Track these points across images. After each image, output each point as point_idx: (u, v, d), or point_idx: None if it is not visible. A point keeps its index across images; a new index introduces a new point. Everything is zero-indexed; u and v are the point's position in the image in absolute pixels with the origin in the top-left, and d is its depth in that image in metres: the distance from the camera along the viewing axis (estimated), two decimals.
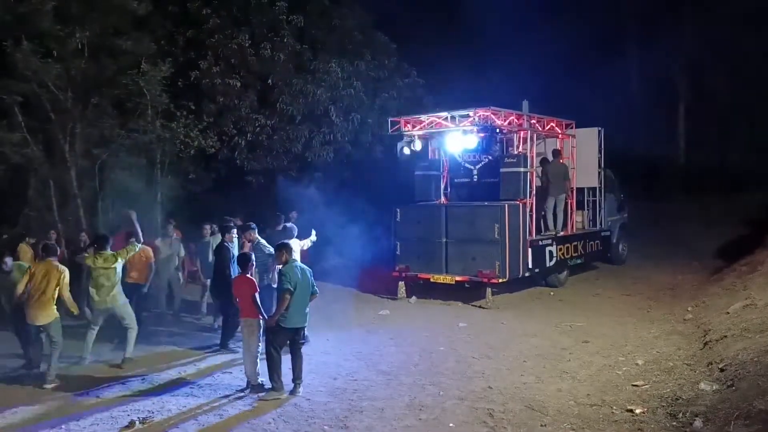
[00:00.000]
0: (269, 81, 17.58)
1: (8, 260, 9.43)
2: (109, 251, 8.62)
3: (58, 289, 7.97)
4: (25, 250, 10.83)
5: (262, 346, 7.50)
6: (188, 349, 9.57)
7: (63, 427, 6.45)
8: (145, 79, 15.17)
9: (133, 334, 8.70)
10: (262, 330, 7.50)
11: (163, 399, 7.26)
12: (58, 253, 8.76)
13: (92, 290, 8.57)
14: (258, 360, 7.52)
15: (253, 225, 9.82)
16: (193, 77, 17.10)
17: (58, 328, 8.10)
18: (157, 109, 15.83)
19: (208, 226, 11.62)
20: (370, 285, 14.03)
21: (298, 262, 7.63)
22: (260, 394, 7.29)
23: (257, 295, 7.54)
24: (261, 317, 7.49)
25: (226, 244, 9.56)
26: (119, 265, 8.63)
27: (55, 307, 8.05)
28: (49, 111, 14.45)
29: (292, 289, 7.11)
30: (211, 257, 10.52)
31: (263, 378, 7.43)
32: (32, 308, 7.96)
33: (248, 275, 7.70)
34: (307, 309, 7.43)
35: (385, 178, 16.81)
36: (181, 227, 12.76)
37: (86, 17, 14.39)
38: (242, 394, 7.38)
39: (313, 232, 10.23)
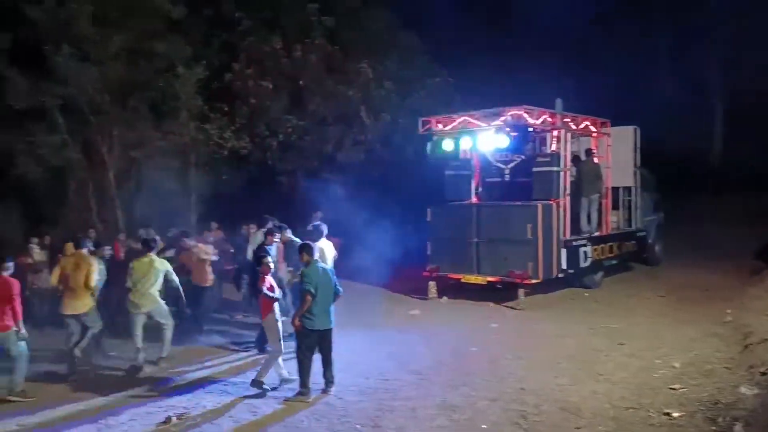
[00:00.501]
0: (301, 82, 17.72)
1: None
2: (152, 255, 8.71)
3: (89, 277, 8.26)
4: (72, 249, 11.07)
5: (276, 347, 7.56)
6: (220, 347, 9.70)
7: (101, 422, 6.58)
8: (180, 81, 15.44)
9: (168, 334, 8.83)
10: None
11: (197, 396, 7.36)
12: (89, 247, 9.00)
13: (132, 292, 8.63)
14: (273, 359, 7.53)
15: (285, 225, 9.90)
16: (226, 79, 17.31)
17: (95, 317, 8.42)
18: (192, 111, 16.08)
19: (246, 226, 11.73)
20: (401, 285, 14.01)
21: (321, 263, 7.61)
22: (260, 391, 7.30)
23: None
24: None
25: (267, 246, 9.58)
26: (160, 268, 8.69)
27: (89, 298, 8.34)
28: (87, 114, 14.76)
29: (312, 290, 7.10)
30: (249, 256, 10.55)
31: (272, 382, 7.43)
32: (66, 298, 8.30)
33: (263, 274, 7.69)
34: (332, 310, 7.40)
35: (415, 178, 16.80)
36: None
37: (123, 21, 14.67)
38: (275, 392, 7.43)
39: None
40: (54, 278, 8.42)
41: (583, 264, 13.32)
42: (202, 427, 6.40)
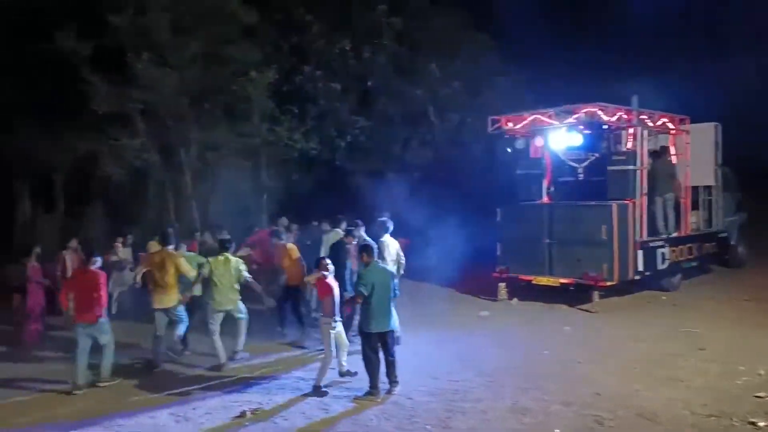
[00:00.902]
0: (369, 83, 17.84)
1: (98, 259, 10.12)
2: (228, 254, 8.95)
3: (176, 274, 8.64)
4: (155, 246, 11.53)
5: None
6: (293, 344, 9.86)
7: (181, 414, 6.82)
8: (253, 85, 15.80)
9: (244, 328, 9.05)
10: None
11: (271, 391, 7.52)
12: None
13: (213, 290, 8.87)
14: (328, 360, 7.55)
15: (360, 223, 9.97)
16: (296, 82, 17.62)
17: (182, 313, 8.79)
18: (263, 113, 16.45)
19: (318, 225, 11.88)
20: (470, 286, 13.91)
21: (382, 264, 7.57)
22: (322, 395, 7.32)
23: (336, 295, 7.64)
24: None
25: (347, 245, 9.65)
26: (237, 266, 8.91)
27: (177, 291, 8.71)
28: (165, 117, 15.30)
29: (364, 292, 7.10)
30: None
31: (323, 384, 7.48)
32: (155, 293, 8.70)
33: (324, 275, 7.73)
34: (391, 312, 7.37)
35: (484, 178, 16.64)
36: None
37: (199, 28, 15.14)
38: (345, 392, 7.50)
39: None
40: (139, 275, 8.78)
41: (661, 266, 12.87)
42: (275, 422, 6.53)
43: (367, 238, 9.70)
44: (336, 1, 18.29)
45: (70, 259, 11.55)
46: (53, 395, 7.75)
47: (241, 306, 9.02)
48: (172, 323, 8.86)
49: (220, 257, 8.86)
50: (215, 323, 8.74)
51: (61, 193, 18.30)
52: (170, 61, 15.05)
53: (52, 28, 14.18)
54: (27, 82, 17.32)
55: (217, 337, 8.68)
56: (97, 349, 8.07)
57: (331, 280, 7.75)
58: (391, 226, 9.53)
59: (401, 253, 9.59)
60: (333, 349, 7.58)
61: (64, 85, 15.06)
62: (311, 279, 8.48)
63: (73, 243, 11.89)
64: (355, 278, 8.06)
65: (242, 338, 9.05)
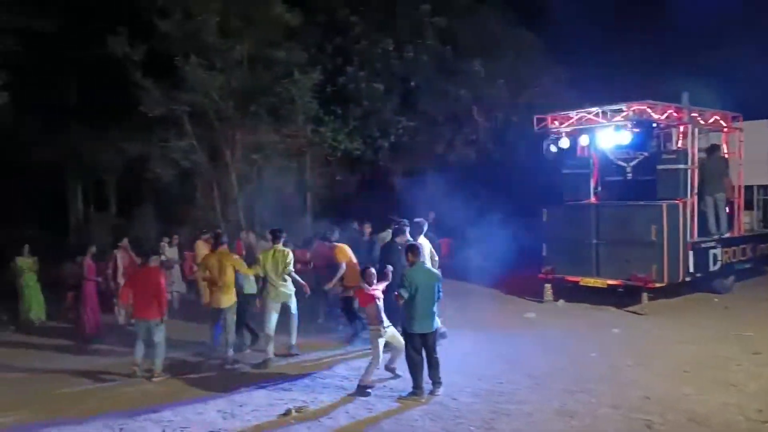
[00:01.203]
0: (412, 83, 17.82)
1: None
2: (280, 246, 9.12)
3: (233, 272, 8.86)
4: (202, 246, 11.78)
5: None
6: (339, 342, 9.93)
7: (228, 411, 6.93)
8: (297, 86, 15.95)
9: (295, 323, 9.22)
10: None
11: (316, 390, 7.58)
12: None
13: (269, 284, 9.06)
14: (376, 363, 7.57)
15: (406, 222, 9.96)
16: (340, 83, 17.71)
17: (233, 312, 8.94)
18: (308, 114, 16.60)
19: (360, 226, 11.92)
20: (515, 287, 13.77)
21: (427, 265, 7.53)
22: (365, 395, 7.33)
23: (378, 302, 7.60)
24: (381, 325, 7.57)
25: (399, 247, 9.63)
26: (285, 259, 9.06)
27: (234, 293, 8.91)
28: (212, 119, 15.58)
29: (405, 294, 7.08)
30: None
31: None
32: (214, 293, 8.90)
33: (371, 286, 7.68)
34: (434, 313, 7.32)
35: (529, 178, 16.45)
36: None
37: (245, 31, 15.36)
38: (390, 391, 7.51)
39: None
40: (199, 276, 8.96)
41: (713, 267, 12.54)
42: (320, 420, 6.57)
43: (410, 239, 9.70)
44: (379, 2, 18.32)
45: (121, 257, 11.88)
46: (105, 387, 7.99)
47: (295, 300, 9.18)
48: (223, 322, 8.99)
49: (270, 250, 9.05)
50: (270, 316, 8.92)
51: (113, 194, 18.81)
52: (217, 64, 15.30)
53: (104, 33, 14.55)
54: (80, 86, 17.92)
55: (271, 331, 8.87)
56: (149, 344, 8.41)
57: (372, 289, 7.62)
58: (425, 227, 9.50)
59: (434, 254, 9.55)
60: (381, 353, 7.59)
61: (115, 89, 15.47)
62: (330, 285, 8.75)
63: (124, 242, 12.21)
64: None
65: (294, 333, 9.22)
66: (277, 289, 8.95)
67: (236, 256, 9.20)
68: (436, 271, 7.97)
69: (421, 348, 7.26)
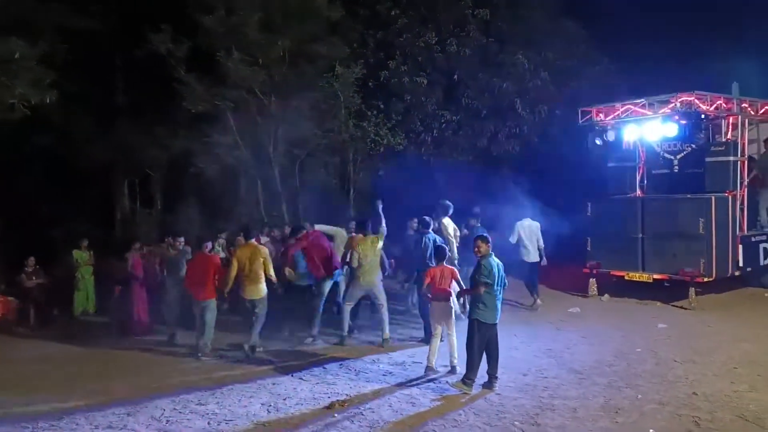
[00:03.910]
0: (455, 77, 17.72)
1: (181, 239, 10.79)
2: (371, 233, 9.45)
3: (264, 266, 9.06)
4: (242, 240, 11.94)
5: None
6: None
7: (272, 404, 7.02)
8: (339, 81, 16.01)
9: (386, 314, 9.45)
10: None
11: (359, 384, 7.63)
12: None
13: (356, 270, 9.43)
14: (436, 343, 7.89)
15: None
16: (382, 77, 17.70)
17: (264, 304, 9.15)
18: (350, 109, 16.66)
19: (411, 221, 11.93)
20: (559, 281, 13.62)
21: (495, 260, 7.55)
22: (451, 379, 7.50)
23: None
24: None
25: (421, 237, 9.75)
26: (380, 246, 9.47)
27: (264, 284, 9.10)
28: (255, 115, 15.74)
29: (490, 282, 7.13)
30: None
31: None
32: (245, 285, 9.10)
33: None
34: (499, 304, 7.36)
35: (574, 171, 16.21)
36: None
37: (287, 26, 15.46)
38: (432, 384, 7.54)
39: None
40: (232, 271, 9.13)
41: (764, 262, 12.21)
42: (364, 414, 6.61)
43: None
44: None
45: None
46: (159, 379, 8.19)
47: (381, 289, 9.51)
48: (254, 314, 9.16)
49: (367, 238, 9.38)
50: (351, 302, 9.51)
51: (158, 190, 19.18)
52: (259, 60, 15.44)
53: (148, 31, 14.83)
54: (126, 84, 18.31)
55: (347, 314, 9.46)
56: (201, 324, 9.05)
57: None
58: (450, 210, 10.04)
59: (458, 231, 10.28)
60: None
61: (160, 86, 15.76)
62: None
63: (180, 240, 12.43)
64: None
65: (387, 324, 9.45)
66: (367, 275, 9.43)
67: (266, 253, 9.27)
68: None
69: (485, 340, 7.25)
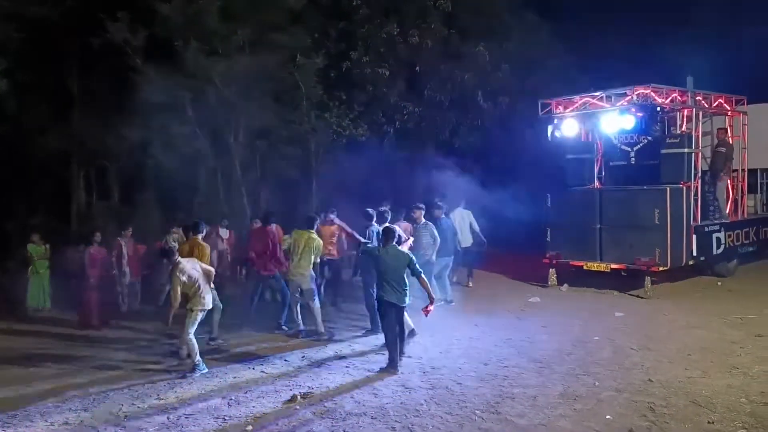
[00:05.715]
0: (417, 68, 17.73)
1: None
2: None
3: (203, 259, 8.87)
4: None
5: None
6: (343, 329, 9.97)
7: (233, 397, 6.95)
8: (301, 71, 15.86)
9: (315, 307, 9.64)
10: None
11: (321, 376, 7.62)
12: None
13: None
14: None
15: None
16: (344, 68, 17.60)
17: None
18: (312, 100, 16.52)
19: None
20: (519, 272, 13.80)
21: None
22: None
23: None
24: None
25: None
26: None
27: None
28: (215, 105, 15.50)
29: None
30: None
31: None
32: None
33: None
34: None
35: (535, 163, 16.42)
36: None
37: (247, 15, 15.24)
38: (396, 376, 7.57)
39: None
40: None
41: (716, 251, 12.56)
42: (326, 406, 6.59)
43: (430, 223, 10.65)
44: None
45: (125, 245, 11.91)
46: (116, 374, 8.03)
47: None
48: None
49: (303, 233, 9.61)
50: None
51: (115, 182, 18.76)
52: (219, 49, 15.20)
53: (104, 19, 14.46)
54: (82, 73, 17.82)
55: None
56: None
57: None
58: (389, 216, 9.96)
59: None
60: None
61: (116, 75, 15.39)
62: None
63: (129, 231, 12.23)
64: None
65: (319, 322, 9.60)
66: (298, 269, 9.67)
67: (207, 250, 9.12)
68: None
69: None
